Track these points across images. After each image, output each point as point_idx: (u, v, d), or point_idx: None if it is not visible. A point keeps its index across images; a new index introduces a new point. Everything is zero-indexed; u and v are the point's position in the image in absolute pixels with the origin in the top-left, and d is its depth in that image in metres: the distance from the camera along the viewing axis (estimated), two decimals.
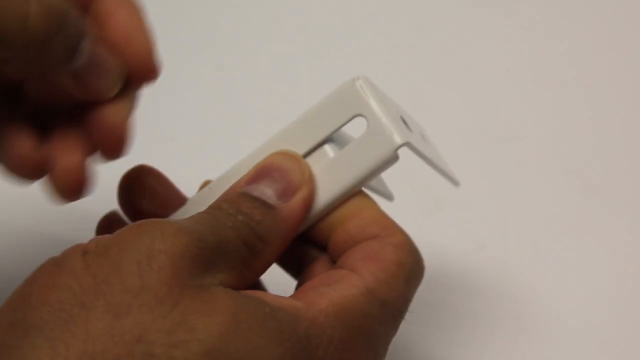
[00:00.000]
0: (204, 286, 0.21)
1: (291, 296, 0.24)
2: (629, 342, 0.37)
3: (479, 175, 0.45)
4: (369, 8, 0.56)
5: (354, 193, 0.26)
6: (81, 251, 0.21)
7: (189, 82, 0.52)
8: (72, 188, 0.27)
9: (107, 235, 0.22)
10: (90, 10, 0.27)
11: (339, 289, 0.23)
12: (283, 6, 0.56)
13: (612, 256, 0.41)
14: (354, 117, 0.26)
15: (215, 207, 0.24)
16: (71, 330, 0.19)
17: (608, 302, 0.39)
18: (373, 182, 0.29)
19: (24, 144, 0.27)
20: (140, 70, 0.27)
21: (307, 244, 0.27)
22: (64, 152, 0.27)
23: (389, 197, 0.31)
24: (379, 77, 0.51)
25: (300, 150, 0.27)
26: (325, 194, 0.26)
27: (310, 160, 0.27)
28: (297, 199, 0.25)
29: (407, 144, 0.26)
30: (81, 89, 0.26)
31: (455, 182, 0.32)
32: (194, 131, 0.49)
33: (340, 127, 0.27)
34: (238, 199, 0.24)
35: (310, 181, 0.26)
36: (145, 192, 0.30)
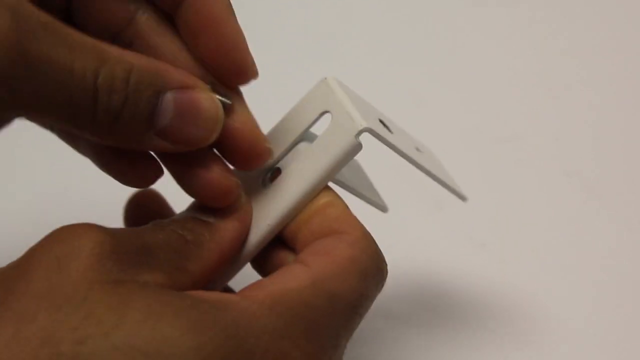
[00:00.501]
0: (119, 282, 0.21)
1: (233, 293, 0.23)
2: (628, 342, 0.37)
3: (479, 175, 0.45)
4: (369, 8, 0.56)
5: (321, 191, 0.26)
6: None
7: None
8: (223, 198, 0.25)
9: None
10: (180, 14, 0.24)
11: (280, 281, 0.23)
12: (284, 6, 0.56)
13: (611, 256, 0.41)
14: (321, 114, 0.27)
15: (154, 222, 0.24)
16: None
17: (608, 302, 0.39)
18: (366, 193, 0.29)
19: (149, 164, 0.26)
20: (237, 76, 0.25)
21: (282, 249, 0.27)
22: (200, 170, 0.25)
23: (382, 208, 0.31)
24: (379, 77, 0.51)
25: (278, 151, 0.27)
26: (294, 189, 0.26)
27: (287, 159, 0.27)
28: (234, 217, 0.25)
29: (369, 130, 0.25)
30: (173, 145, 0.24)
31: (462, 197, 0.32)
32: None
33: (310, 126, 0.27)
34: (176, 218, 0.25)
35: (248, 204, 0.26)
36: (148, 216, 0.30)
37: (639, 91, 0.49)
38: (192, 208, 0.26)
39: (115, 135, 0.23)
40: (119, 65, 0.22)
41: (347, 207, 0.26)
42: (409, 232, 0.38)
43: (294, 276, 0.23)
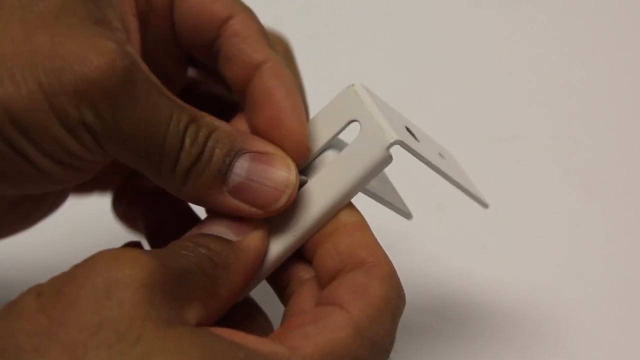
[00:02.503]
0: (170, 321, 0.20)
1: (274, 337, 0.23)
2: (627, 342, 0.37)
3: (479, 175, 0.44)
4: (369, 7, 0.56)
5: (346, 207, 0.26)
6: (35, 292, 0.20)
7: None
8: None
9: (63, 272, 0.21)
10: (248, 90, 0.26)
11: (326, 331, 0.22)
12: (282, 6, 0.56)
13: (612, 255, 0.41)
14: (349, 123, 0.26)
15: (174, 243, 0.24)
16: None
17: (608, 302, 0.39)
18: (391, 200, 0.29)
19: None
20: (288, 152, 0.26)
21: (295, 263, 0.26)
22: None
23: (407, 215, 0.30)
24: (378, 76, 0.51)
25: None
26: (323, 200, 0.25)
27: (312, 168, 0.26)
28: (255, 234, 0.25)
29: (400, 143, 0.25)
30: (243, 204, 0.25)
31: (483, 204, 0.32)
32: None
33: (336, 135, 0.26)
34: (196, 237, 0.24)
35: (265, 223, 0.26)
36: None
37: (638, 90, 0.49)
38: (208, 224, 0.25)
39: (189, 187, 0.24)
40: (206, 126, 0.24)
41: (372, 233, 0.25)
42: (410, 233, 0.38)
43: (339, 325, 0.22)
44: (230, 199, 0.24)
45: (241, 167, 0.24)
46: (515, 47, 0.53)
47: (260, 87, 0.26)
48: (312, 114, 0.28)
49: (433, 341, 0.37)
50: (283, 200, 0.24)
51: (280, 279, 0.27)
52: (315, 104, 0.28)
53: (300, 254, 0.26)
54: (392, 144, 0.25)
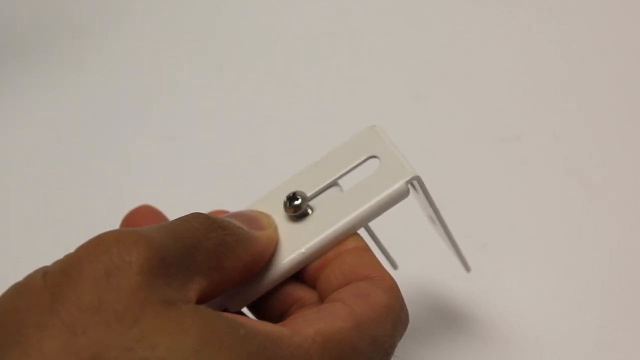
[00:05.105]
0: (171, 302, 0.21)
1: (278, 323, 0.23)
2: (626, 342, 0.37)
3: (480, 175, 0.45)
4: (368, 8, 0.56)
5: (353, 234, 0.27)
6: (43, 271, 0.21)
7: (189, 82, 0.52)
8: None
9: (69, 253, 0.21)
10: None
11: (329, 319, 0.23)
12: (282, 6, 0.56)
13: (614, 256, 0.41)
14: (368, 158, 0.29)
15: (187, 215, 0.24)
16: (25, 351, 0.19)
17: (608, 301, 0.39)
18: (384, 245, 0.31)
19: None
20: None
21: (298, 288, 0.27)
22: None
23: (393, 264, 0.32)
24: (378, 76, 0.51)
25: (316, 186, 0.29)
26: (337, 224, 0.27)
27: (323, 196, 0.28)
28: (268, 229, 0.27)
29: (419, 179, 0.27)
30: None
31: (466, 267, 0.34)
32: (194, 131, 0.49)
33: (354, 168, 0.29)
34: (212, 214, 0.25)
35: (276, 227, 0.28)
36: None
37: (639, 90, 0.49)
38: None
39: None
40: None
41: (375, 255, 0.27)
42: (409, 233, 0.38)
43: (339, 315, 0.23)
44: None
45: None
46: (516, 46, 0.53)
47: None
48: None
49: (432, 340, 0.37)
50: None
51: (281, 302, 0.27)
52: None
53: (302, 281, 0.28)
54: (412, 179, 0.27)
